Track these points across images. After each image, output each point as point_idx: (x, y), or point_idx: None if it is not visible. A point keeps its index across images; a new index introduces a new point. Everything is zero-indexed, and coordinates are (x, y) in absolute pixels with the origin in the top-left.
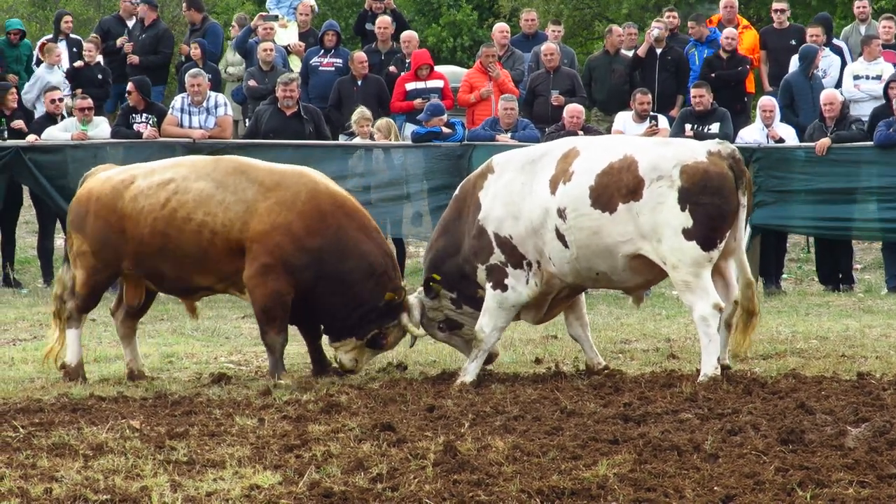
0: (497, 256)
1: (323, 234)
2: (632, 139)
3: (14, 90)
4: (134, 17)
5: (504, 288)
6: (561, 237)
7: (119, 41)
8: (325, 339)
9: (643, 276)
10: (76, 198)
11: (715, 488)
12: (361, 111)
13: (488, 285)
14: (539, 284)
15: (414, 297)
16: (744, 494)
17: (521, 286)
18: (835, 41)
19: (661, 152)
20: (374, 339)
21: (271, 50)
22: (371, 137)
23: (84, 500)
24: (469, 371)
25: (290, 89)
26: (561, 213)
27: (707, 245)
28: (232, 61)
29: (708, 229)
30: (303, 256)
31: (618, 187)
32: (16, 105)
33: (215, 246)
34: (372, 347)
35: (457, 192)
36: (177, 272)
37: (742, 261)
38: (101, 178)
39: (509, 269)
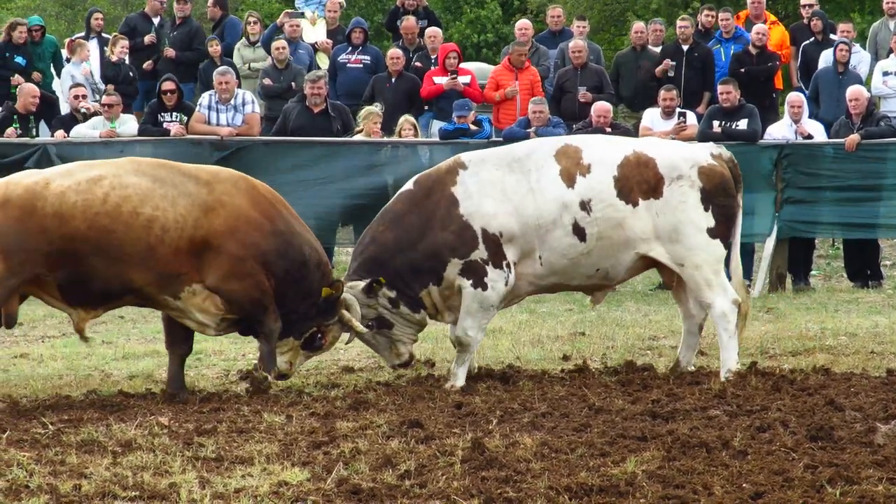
0: (479, 253)
1: (278, 218)
2: (622, 138)
3: (37, 92)
4: (159, 16)
5: (485, 287)
6: (579, 231)
7: (147, 39)
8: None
9: (629, 276)
10: None
11: (744, 485)
12: (369, 109)
13: (467, 283)
14: (509, 286)
15: (349, 294)
16: (773, 491)
17: (499, 285)
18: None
19: (675, 152)
20: (311, 338)
21: (285, 48)
22: (399, 134)
23: (113, 496)
24: (458, 375)
25: (317, 87)
26: (585, 206)
27: (726, 244)
28: (250, 57)
29: (726, 229)
30: (274, 241)
31: (638, 181)
32: (35, 108)
33: (164, 243)
34: (307, 349)
35: (410, 187)
36: (111, 271)
37: (737, 262)
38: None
39: (489, 268)
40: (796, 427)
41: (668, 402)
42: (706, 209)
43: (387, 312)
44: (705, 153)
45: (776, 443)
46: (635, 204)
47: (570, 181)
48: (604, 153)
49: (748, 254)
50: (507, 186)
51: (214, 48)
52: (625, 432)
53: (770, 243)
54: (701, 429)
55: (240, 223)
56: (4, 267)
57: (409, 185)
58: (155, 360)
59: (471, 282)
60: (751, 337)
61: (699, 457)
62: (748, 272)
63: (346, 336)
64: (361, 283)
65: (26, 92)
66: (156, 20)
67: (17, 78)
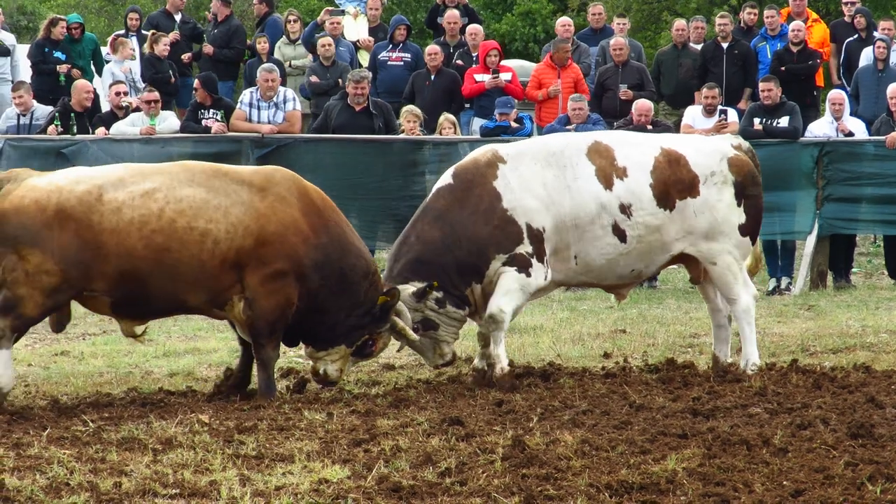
0: (524, 247)
1: (324, 230)
2: (646, 135)
3: (91, 88)
4: (181, 12)
5: (528, 273)
6: (619, 232)
7: (171, 36)
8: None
9: (658, 272)
10: (12, 210)
11: (784, 483)
12: (409, 108)
13: (511, 269)
14: (546, 283)
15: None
16: (813, 489)
17: (539, 279)
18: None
19: (702, 146)
20: (363, 345)
21: (331, 45)
22: (439, 133)
23: (153, 494)
24: (500, 356)
25: (361, 87)
26: (624, 209)
27: (754, 238)
28: (290, 55)
29: (755, 222)
30: (315, 255)
31: (673, 183)
32: (90, 103)
33: (214, 256)
34: (358, 355)
35: (449, 181)
36: (166, 290)
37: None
38: (49, 186)
39: (534, 261)
40: (837, 424)
41: (709, 400)
42: (739, 204)
43: (433, 314)
44: (727, 144)
45: (817, 440)
46: (672, 208)
47: (607, 182)
48: (634, 155)
49: (789, 251)
50: (547, 181)
51: (262, 45)
52: (665, 430)
53: (811, 241)
54: (741, 426)
55: (288, 233)
56: (61, 279)
57: (447, 180)
58: (195, 358)
59: (515, 267)
60: (791, 334)
61: (740, 454)
62: (789, 270)
63: (397, 341)
64: (410, 287)
65: (80, 88)
66: (177, 17)
67: (63, 67)
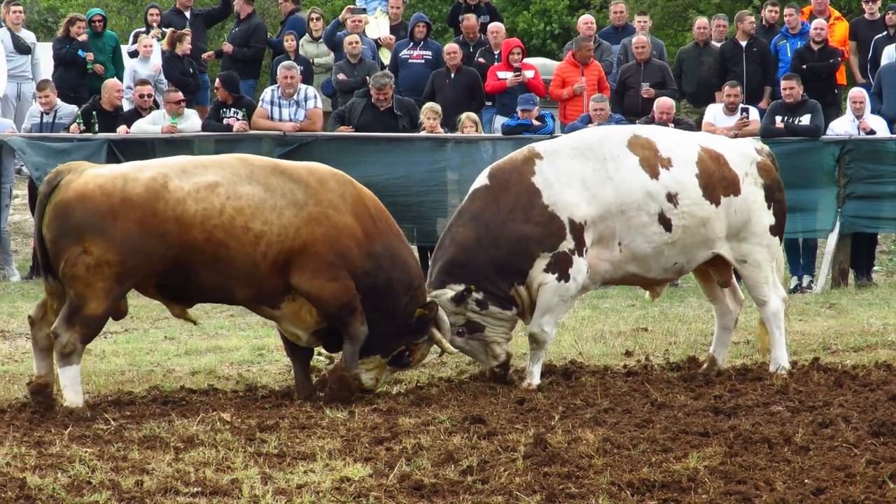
0: (567, 244)
1: (377, 238)
2: (680, 131)
3: (121, 87)
4: (190, 9)
5: (568, 278)
6: (665, 221)
7: (181, 33)
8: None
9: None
10: (76, 198)
11: (806, 481)
12: (429, 105)
13: (552, 277)
14: (587, 275)
15: (440, 309)
16: (835, 487)
17: (580, 276)
18: None
19: (735, 148)
20: (399, 356)
21: (357, 42)
22: (461, 131)
23: (175, 492)
24: (534, 373)
25: (383, 94)
26: (671, 198)
27: (781, 240)
28: (313, 53)
29: (782, 224)
30: (366, 262)
31: (719, 179)
32: (120, 102)
33: (266, 258)
34: (394, 365)
35: (486, 181)
36: (217, 285)
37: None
38: (112, 174)
39: (575, 258)
40: (858, 423)
41: (731, 398)
42: (769, 206)
43: (475, 315)
44: (752, 149)
45: (838, 438)
46: (718, 203)
47: (652, 172)
48: (678, 148)
49: (811, 250)
50: (586, 175)
51: (290, 43)
52: (687, 428)
53: (833, 239)
54: (763, 424)
55: (341, 236)
56: (124, 270)
57: (483, 181)
58: (217, 356)
59: (555, 275)
60: (813, 333)
61: (761, 452)
62: (810, 268)
63: (436, 350)
64: (449, 292)
65: (110, 87)
66: (187, 13)
67: (89, 55)
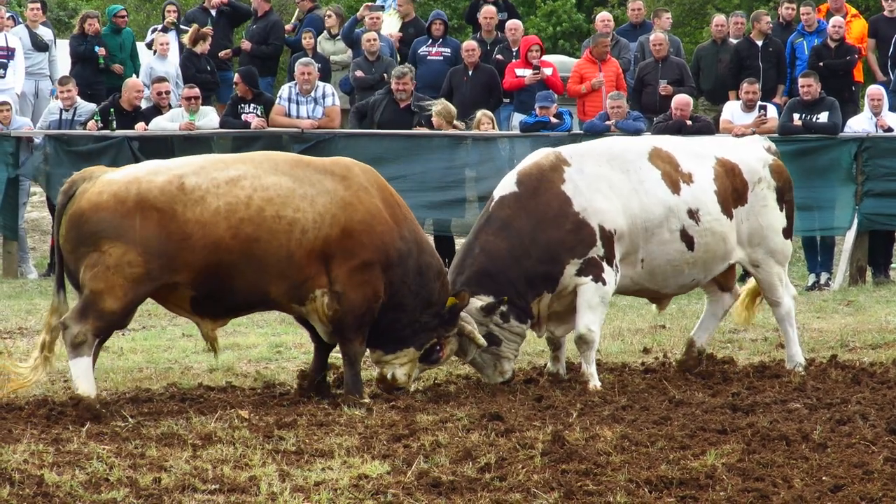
0: (597, 250)
1: (404, 222)
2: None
3: (142, 87)
4: (216, 8)
5: (604, 281)
6: (687, 238)
7: (204, 31)
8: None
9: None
10: (91, 208)
11: (823, 478)
12: (439, 109)
13: (587, 279)
14: (616, 286)
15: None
16: (852, 484)
17: (611, 284)
18: None
19: (750, 154)
20: (430, 350)
21: (375, 39)
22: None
23: (193, 489)
24: (593, 374)
25: (403, 83)
26: (693, 215)
27: (791, 238)
28: (330, 50)
29: (791, 225)
30: (399, 245)
31: (731, 192)
32: (139, 102)
33: (301, 247)
34: (425, 361)
35: (514, 188)
36: (253, 283)
37: None
38: (126, 178)
39: (605, 265)
40: (876, 420)
41: (748, 395)
42: (781, 209)
43: (497, 329)
44: (763, 150)
45: (856, 436)
46: (732, 216)
47: (674, 187)
48: (697, 163)
49: (828, 247)
50: (613, 183)
51: (308, 40)
52: (705, 425)
53: (850, 236)
54: (781, 422)
55: (375, 222)
56: (145, 271)
57: (510, 187)
58: (235, 353)
59: (591, 276)
60: (831, 330)
61: (779, 450)
62: (828, 265)
63: (469, 348)
64: (478, 302)
65: (131, 87)
66: (213, 12)
67: (101, 50)
